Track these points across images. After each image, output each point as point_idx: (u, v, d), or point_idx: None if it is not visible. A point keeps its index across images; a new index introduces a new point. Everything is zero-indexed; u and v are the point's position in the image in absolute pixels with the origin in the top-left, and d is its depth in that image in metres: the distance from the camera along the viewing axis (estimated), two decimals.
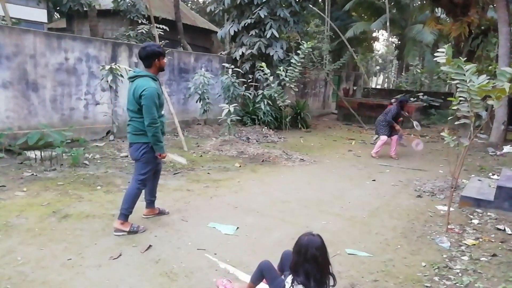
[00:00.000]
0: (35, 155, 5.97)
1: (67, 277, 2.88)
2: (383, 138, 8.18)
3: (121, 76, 7.45)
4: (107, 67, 7.26)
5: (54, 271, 2.96)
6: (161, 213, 4.18)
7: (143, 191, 3.91)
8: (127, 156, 6.75)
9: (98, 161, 6.33)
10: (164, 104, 3.82)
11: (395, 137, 8.28)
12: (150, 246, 3.43)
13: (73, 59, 7.45)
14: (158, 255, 3.29)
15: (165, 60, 3.74)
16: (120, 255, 3.25)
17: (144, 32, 12.19)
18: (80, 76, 7.61)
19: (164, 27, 11.52)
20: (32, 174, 5.33)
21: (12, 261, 3.07)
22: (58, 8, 13.84)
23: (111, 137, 7.71)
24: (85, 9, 12.34)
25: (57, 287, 2.75)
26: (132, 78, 3.62)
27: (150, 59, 3.59)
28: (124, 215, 3.70)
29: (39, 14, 15.63)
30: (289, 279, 2.30)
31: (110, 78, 7.23)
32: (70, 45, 7.38)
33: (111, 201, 4.51)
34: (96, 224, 3.87)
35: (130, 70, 3.64)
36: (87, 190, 4.88)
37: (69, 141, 6.49)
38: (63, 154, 6.04)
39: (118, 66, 7.38)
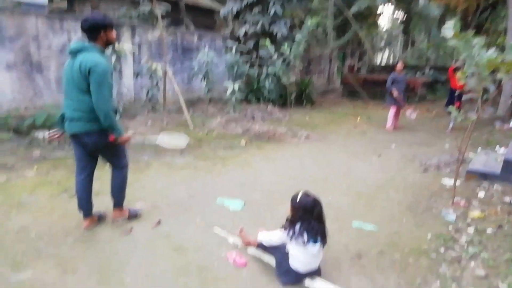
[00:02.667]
0: (43, 135, 6.02)
1: (80, 252, 2.96)
2: (392, 108, 8.33)
3: (125, 56, 7.40)
4: (110, 47, 7.20)
5: (67, 246, 3.04)
6: (101, 218, 3.52)
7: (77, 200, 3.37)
8: (134, 133, 6.79)
9: None
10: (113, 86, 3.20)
11: (395, 109, 8.35)
12: (159, 222, 3.50)
13: (76, 40, 7.39)
14: (168, 231, 3.35)
15: (114, 33, 3.11)
16: (131, 230, 3.32)
17: (146, 12, 12.00)
18: None
19: (167, 6, 11.34)
20: (41, 153, 5.39)
21: (26, 237, 3.16)
22: None
23: (117, 116, 7.72)
24: None
25: (71, 262, 2.83)
26: (75, 52, 2.93)
27: (95, 31, 2.97)
28: (120, 205, 3.49)
29: None
30: (285, 229, 2.61)
31: (113, 58, 7.18)
32: (72, 26, 7.31)
33: None
34: (107, 201, 3.92)
35: (71, 44, 3.05)
36: (96, 168, 4.92)
37: None
38: None
39: (122, 46, 7.32)
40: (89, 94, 2.93)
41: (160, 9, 8.66)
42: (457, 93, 8.24)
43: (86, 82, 2.89)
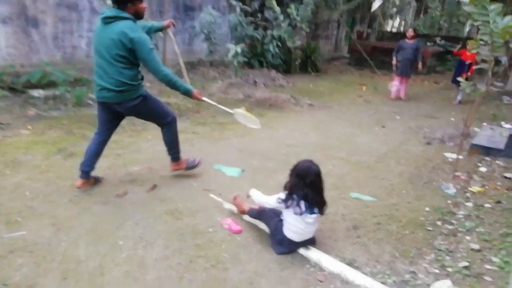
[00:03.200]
0: (39, 93, 5.91)
1: (74, 212, 2.95)
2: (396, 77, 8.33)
3: None
4: (108, 2, 6.90)
5: (61, 206, 3.02)
6: (97, 180, 3.46)
7: (84, 158, 3.29)
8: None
9: None
10: None
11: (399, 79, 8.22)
12: (155, 185, 3.46)
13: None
14: (163, 195, 3.32)
15: (144, 5, 3.01)
16: (126, 193, 3.29)
17: None
18: (81, 12, 7.28)
19: None
20: (36, 112, 5.31)
21: (20, 195, 3.14)
22: None
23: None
24: None
25: (66, 221, 2.82)
26: (110, 19, 2.86)
27: (124, 1, 2.88)
28: (176, 158, 3.59)
29: None
30: (282, 195, 2.54)
31: None
32: None
33: (115, 141, 4.46)
34: (102, 163, 3.85)
35: (105, 10, 2.96)
36: (92, 129, 4.82)
37: (72, 80, 6.36)
38: (67, 93, 5.96)
39: None
40: (124, 63, 2.93)
41: None
42: (467, 63, 7.93)
43: (124, 51, 2.87)
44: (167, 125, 3.41)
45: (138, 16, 2.99)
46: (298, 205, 2.45)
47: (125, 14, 2.89)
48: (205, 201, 3.26)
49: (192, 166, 3.66)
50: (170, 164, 3.61)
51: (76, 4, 7.16)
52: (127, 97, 3.06)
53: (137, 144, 4.48)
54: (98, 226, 2.79)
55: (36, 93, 5.89)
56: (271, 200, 2.60)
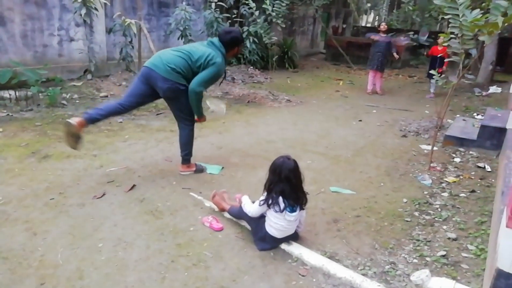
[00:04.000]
0: (10, 94, 5.69)
1: (50, 216, 2.86)
2: (370, 72, 8.46)
3: (96, 9, 6.92)
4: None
5: (36, 210, 2.92)
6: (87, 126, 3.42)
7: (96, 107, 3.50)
8: (106, 96, 6.52)
9: (77, 101, 6.10)
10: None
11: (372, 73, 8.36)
12: (134, 185, 3.40)
13: None
14: (142, 194, 3.27)
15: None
16: (104, 194, 3.22)
17: None
18: (51, 9, 7.05)
19: None
20: (8, 114, 5.12)
21: None
22: None
23: (89, 76, 7.37)
24: None
25: (41, 225, 2.73)
26: (211, 45, 3.40)
27: (231, 45, 3.44)
28: (187, 159, 3.69)
29: None
30: (262, 197, 2.54)
31: (83, 11, 6.71)
32: None
33: (92, 141, 4.40)
34: (78, 164, 3.79)
35: (213, 39, 3.46)
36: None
37: (44, 80, 6.17)
38: (39, 94, 5.77)
39: None
40: (187, 73, 3.30)
41: None
42: (438, 59, 8.11)
43: (197, 65, 3.29)
44: (189, 124, 3.57)
45: (234, 56, 3.60)
46: (277, 202, 2.46)
47: (221, 48, 3.39)
48: (185, 200, 3.23)
49: (201, 170, 3.76)
50: (180, 165, 3.70)
51: (45, 1, 6.93)
52: (175, 78, 3.27)
53: (113, 144, 4.39)
54: (75, 229, 2.71)
55: (7, 94, 5.68)
56: (255, 206, 2.60)
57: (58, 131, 4.66)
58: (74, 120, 3.19)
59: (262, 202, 2.53)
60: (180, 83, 3.31)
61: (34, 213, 2.89)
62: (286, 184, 2.46)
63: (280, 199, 2.46)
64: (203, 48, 3.37)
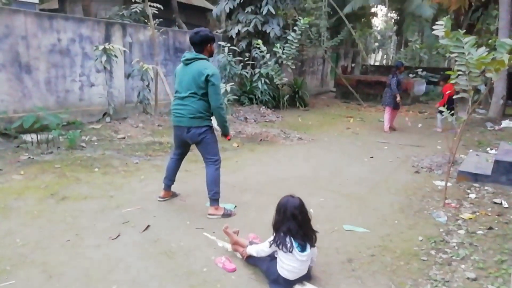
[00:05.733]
0: (31, 138, 5.94)
1: (66, 258, 2.90)
2: (387, 109, 8.42)
3: (115, 56, 7.32)
4: (101, 47, 7.13)
5: (53, 252, 2.98)
6: (174, 195, 4.15)
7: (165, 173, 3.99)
8: (124, 138, 6.73)
9: (95, 143, 6.30)
10: None
11: (392, 111, 8.40)
12: (148, 226, 3.45)
13: (66, 40, 7.30)
14: (157, 235, 3.31)
15: (214, 45, 3.72)
16: (119, 235, 3.27)
17: (138, 11, 11.91)
18: (74, 57, 7.48)
19: (158, 5, 11.21)
20: (29, 157, 5.31)
21: (11, 242, 3.09)
22: None
23: (108, 119, 7.65)
24: None
25: (57, 267, 2.77)
26: (189, 60, 3.54)
27: (203, 44, 3.53)
28: (215, 200, 3.73)
29: None
30: (271, 237, 2.55)
31: (104, 58, 7.10)
32: (62, 26, 7.22)
33: (109, 183, 4.51)
34: (95, 205, 3.88)
35: (185, 54, 3.64)
36: (85, 172, 4.87)
37: (65, 123, 6.44)
38: (60, 137, 6.01)
39: (112, 46, 7.24)
40: (199, 95, 3.49)
41: (151, 9, 8.60)
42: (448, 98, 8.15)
43: (200, 85, 3.45)
44: (216, 163, 3.73)
45: (211, 55, 3.64)
46: (285, 241, 2.46)
47: (202, 56, 3.53)
48: (198, 240, 3.25)
49: (228, 214, 3.76)
50: (209, 208, 3.75)
51: (69, 49, 7.37)
52: (196, 124, 3.53)
53: (130, 185, 4.49)
54: (90, 271, 2.75)
55: (29, 137, 5.93)
56: (265, 246, 2.62)
57: (77, 173, 4.81)
58: (161, 195, 4.04)
59: (271, 243, 2.54)
60: (202, 126, 3.58)
61: (51, 255, 2.94)
62: (292, 222, 2.48)
63: (288, 238, 2.47)
64: (188, 69, 3.52)
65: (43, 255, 2.93)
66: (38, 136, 5.94)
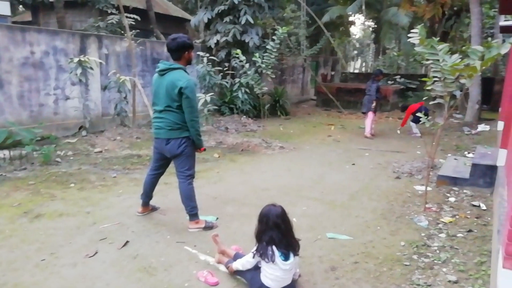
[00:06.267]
0: (4, 154, 5.71)
1: (41, 278, 2.78)
2: (370, 115, 8.56)
3: (91, 68, 7.18)
4: (76, 60, 6.98)
5: (27, 273, 2.84)
6: (153, 209, 4.04)
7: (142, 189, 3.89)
8: (101, 152, 6.57)
9: (71, 158, 6.13)
10: None
11: (371, 115, 8.56)
12: (127, 242, 3.34)
13: (40, 52, 7.13)
14: (136, 251, 3.20)
15: (193, 53, 3.59)
16: (96, 252, 3.15)
17: (115, 22, 11.80)
18: (48, 70, 7.31)
19: (135, 16, 11.16)
20: (1, 174, 5.11)
21: None
22: (22, 0, 13.23)
23: (84, 133, 7.47)
24: (50, 0, 11.83)
25: None
26: (163, 71, 3.41)
27: (180, 51, 3.41)
28: (194, 215, 3.64)
29: (2, 7, 14.88)
30: (254, 248, 2.52)
31: (79, 71, 6.95)
32: (36, 38, 7.06)
33: (85, 198, 4.37)
34: (70, 222, 3.74)
35: (159, 64, 3.49)
36: (60, 188, 4.71)
37: (39, 138, 6.24)
38: (33, 152, 5.81)
39: (88, 58, 7.11)
40: (175, 107, 3.37)
41: (128, 20, 8.51)
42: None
43: (174, 97, 3.33)
44: (188, 178, 3.60)
45: (189, 62, 3.54)
46: (267, 251, 2.43)
47: (176, 65, 3.41)
48: (179, 254, 3.16)
49: (210, 227, 3.66)
50: (189, 222, 3.65)
51: (42, 62, 7.20)
52: (175, 135, 3.45)
53: (107, 200, 4.36)
54: None
55: (1, 154, 5.71)
56: (249, 257, 2.58)
57: (52, 189, 4.65)
58: (139, 211, 3.93)
59: (254, 254, 2.50)
60: (180, 137, 3.48)
61: (24, 275, 2.80)
62: (275, 231, 2.45)
63: (270, 248, 2.43)
64: (162, 80, 3.40)
65: (15, 277, 2.79)
66: (11, 152, 5.73)
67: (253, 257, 2.52)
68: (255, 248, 2.52)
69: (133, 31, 10.31)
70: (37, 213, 3.93)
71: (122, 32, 10.10)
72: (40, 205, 4.14)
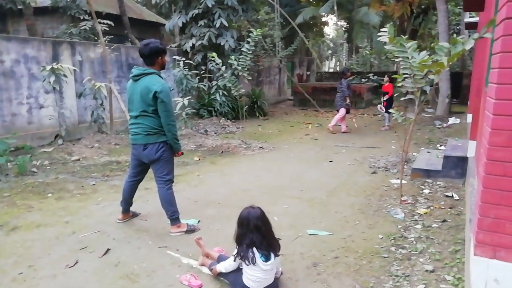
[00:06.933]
0: None
1: None
2: (341, 111, 8.93)
3: (65, 76, 7.04)
4: (48, 67, 6.84)
5: None
6: (134, 215, 4.01)
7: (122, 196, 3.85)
8: (78, 160, 6.45)
9: (47, 167, 5.99)
10: None
11: (343, 111, 8.87)
12: (108, 249, 3.31)
13: (10, 61, 6.94)
14: (118, 258, 3.18)
15: (166, 57, 3.58)
16: (77, 262, 3.11)
17: (88, 28, 11.58)
18: (20, 79, 7.12)
19: (109, 22, 11.00)
20: None
21: None
22: None
23: (60, 141, 7.31)
24: (19, 7, 11.49)
25: None
26: (137, 76, 3.40)
27: (153, 56, 3.40)
28: (175, 219, 3.63)
29: None
30: (235, 251, 2.54)
31: (52, 79, 6.80)
32: (5, 46, 6.87)
33: (63, 208, 4.30)
34: (49, 233, 3.67)
35: (133, 70, 3.47)
36: (37, 198, 4.61)
37: (13, 149, 6.07)
38: (8, 163, 5.65)
39: (61, 65, 6.97)
40: (151, 112, 3.36)
41: (101, 25, 8.39)
42: (385, 97, 9.09)
43: (150, 102, 3.32)
44: (167, 183, 3.59)
45: (163, 67, 3.53)
46: (248, 254, 2.46)
47: (150, 70, 3.40)
48: (162, 259, 3.16)
49: (192, 230, 3.66)
50: (170, 227, 3.64)
51: (13, 71, 7.01)
52: (152, 140, 3.43)
53: (86, 209, 4.29)
54: None
55: None
56: (231, 260, 2.61)
57: (28, 200, 4.54)
58: (119, 218, 3.88)
59: (235, 257, 2.53)
60: (158, 142, 3.46)
61: None
62: (256, 233, 2.48)
63: (250, 250, 2.46)
64: (136, 86, 3.39)
65: None
66: None
67: (234, 260, 2.56)
68: (235, 251, 2.55)
69: (107, 37, 10.17)
70: (13, 226, 3.83)
71: (96, 38, 9.93)
72: (16, 217, 4.04)
